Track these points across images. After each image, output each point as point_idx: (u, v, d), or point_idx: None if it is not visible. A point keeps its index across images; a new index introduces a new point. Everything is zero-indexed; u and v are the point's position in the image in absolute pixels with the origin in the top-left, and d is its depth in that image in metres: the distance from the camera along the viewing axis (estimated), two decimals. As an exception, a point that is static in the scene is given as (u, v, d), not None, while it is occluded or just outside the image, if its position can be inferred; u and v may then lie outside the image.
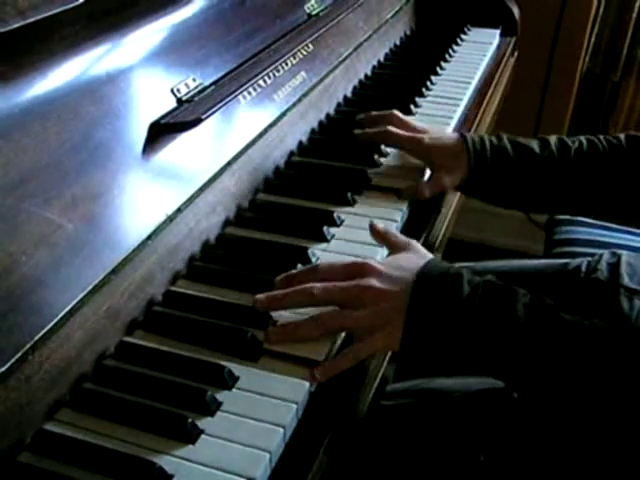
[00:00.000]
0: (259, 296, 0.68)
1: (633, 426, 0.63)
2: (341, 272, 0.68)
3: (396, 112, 1.00)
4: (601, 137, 0.94)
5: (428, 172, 0.96)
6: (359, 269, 0.67)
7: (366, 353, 0.66)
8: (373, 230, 0.76)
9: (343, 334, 0.68)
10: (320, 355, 0.64)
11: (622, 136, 0.93)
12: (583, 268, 1.02)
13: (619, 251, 1.01)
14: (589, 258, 1.05)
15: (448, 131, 1.06)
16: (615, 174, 0.92)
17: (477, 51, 1.41)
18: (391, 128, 0.97)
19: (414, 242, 0.73)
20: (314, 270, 0.69)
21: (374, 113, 1.02)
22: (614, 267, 0.95)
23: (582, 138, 0.94)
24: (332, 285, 0.66)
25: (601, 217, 1.29)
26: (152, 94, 0.73)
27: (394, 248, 0.73)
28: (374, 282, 0.65)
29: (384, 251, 0.78)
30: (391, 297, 0.64)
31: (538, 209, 1.06)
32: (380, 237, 0.75)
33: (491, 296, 0.64)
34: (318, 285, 0.66)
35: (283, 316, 0.68)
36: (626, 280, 0.91)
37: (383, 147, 1.01)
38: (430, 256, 0.70)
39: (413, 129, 0.97)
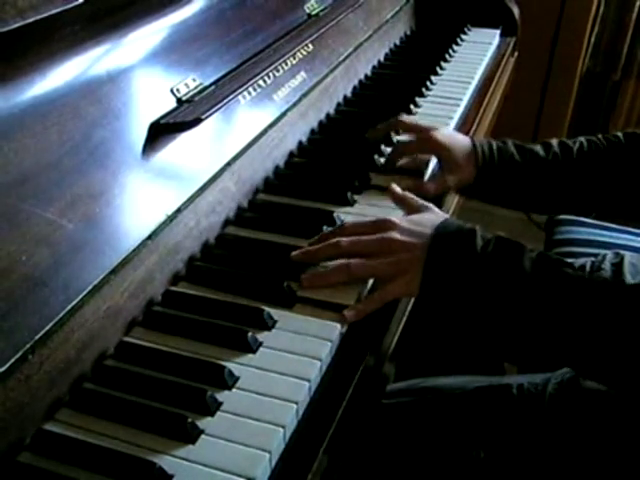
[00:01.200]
0: (294, 252, 0.74)
1: (633, 380, 0.64)
2: (366, 228, 0.74)
3: (400, 118, 1.01)
4: (600, 136, 0.96)
5: (429, 171, 0.97)
6: (382, 224, 0.73)
7: (389, 297, 0.71)
8: (392, 194, 0.81)
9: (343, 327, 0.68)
10: (322, 354, 0.64)
11: (620, 134, 0.95)
12: (587, 268, 1.03)
13: (622, 251, 1.01)
14: (593, 258, 1.05)
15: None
16: (615, 170, 0.93)
17: (477, 51, 1.41)
18: (401, 139, 1.00)
19: (431, 205, 0.79)
20: (342, 228, 0.76)
21: (379, 127, 1.02)
22: (617, 267, 0.96)
23: (582, 138, 0.96)
24: (358, 238, 0.73)
25: (604, 214, 1.31)
26: (152, 94, 0.73)
27: (412, 210, 0.78)
28: (396, 235, 0.71)
29: None
30: (411, 248, 0.70)
31: (542, 209, 1.08)
32: (399, 200, 0.81)
33: (501, 250, 0.68)
34: (345, 238, 0.73)
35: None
36: (628, 279, 0.92)
37: (383, 147, 1.01)
38: (447, 216, 0.76)
39: (420, 130, 0.98)
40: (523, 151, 0.94)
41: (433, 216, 0.75)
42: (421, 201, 0.79)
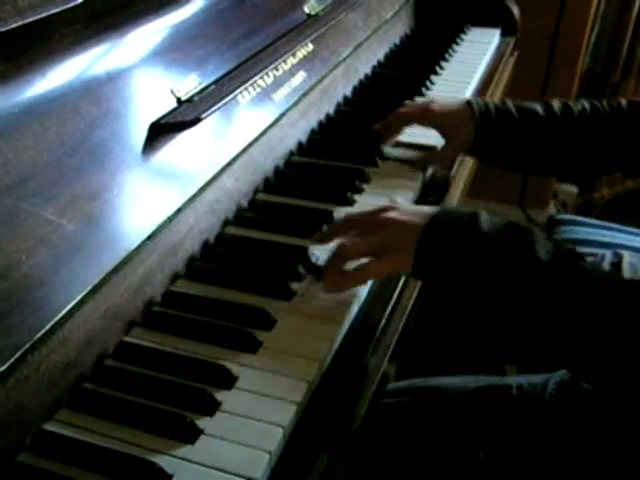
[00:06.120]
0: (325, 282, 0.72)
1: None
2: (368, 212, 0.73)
3: (399, 111, 1.03)
4: (603, 102, 0.96)
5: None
6: (383, 208, 0.72)
7: (377, 272, 0.71)
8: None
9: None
10: (319, 355, 0.64)
11: (624, 102, 0.96)
12: None
13: (621, 251, 1.01)
14: (592, 258, 1.05)
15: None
16: (615, 136, 0.94)
17: (477, 51, 1.41)
18: (401, 109, 1.01)
19: None
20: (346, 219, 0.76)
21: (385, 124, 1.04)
22: (616, 267, 0.96)
23: (585, 102, 0.97)
24: (358, 214, 0.73)
25: (604, 213, 1.31)
26: (152, 94, 0.73)
27: None
28: (394, 214, 0.70)
29: None
30: (408, 225, 0.68)
31: (539, 171, 1.09)
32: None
33: (509, 232, 0.64)
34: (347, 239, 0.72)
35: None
36: (627, 279, 0.92)
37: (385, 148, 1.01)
38: None
39: (421, 104, 1.01)
40: (522, 109, 0.95)
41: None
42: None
